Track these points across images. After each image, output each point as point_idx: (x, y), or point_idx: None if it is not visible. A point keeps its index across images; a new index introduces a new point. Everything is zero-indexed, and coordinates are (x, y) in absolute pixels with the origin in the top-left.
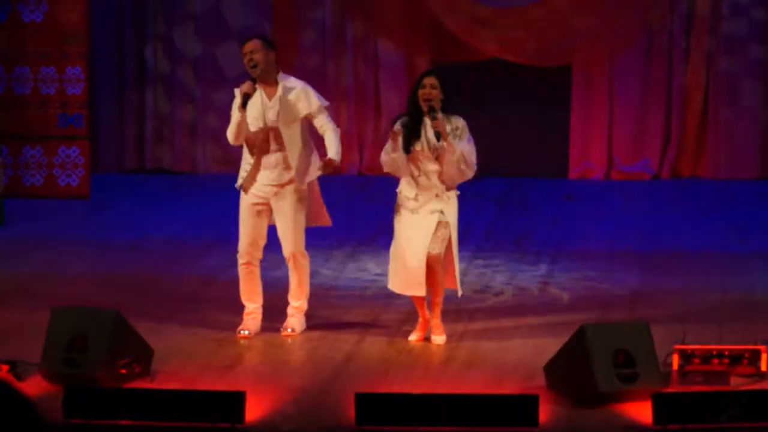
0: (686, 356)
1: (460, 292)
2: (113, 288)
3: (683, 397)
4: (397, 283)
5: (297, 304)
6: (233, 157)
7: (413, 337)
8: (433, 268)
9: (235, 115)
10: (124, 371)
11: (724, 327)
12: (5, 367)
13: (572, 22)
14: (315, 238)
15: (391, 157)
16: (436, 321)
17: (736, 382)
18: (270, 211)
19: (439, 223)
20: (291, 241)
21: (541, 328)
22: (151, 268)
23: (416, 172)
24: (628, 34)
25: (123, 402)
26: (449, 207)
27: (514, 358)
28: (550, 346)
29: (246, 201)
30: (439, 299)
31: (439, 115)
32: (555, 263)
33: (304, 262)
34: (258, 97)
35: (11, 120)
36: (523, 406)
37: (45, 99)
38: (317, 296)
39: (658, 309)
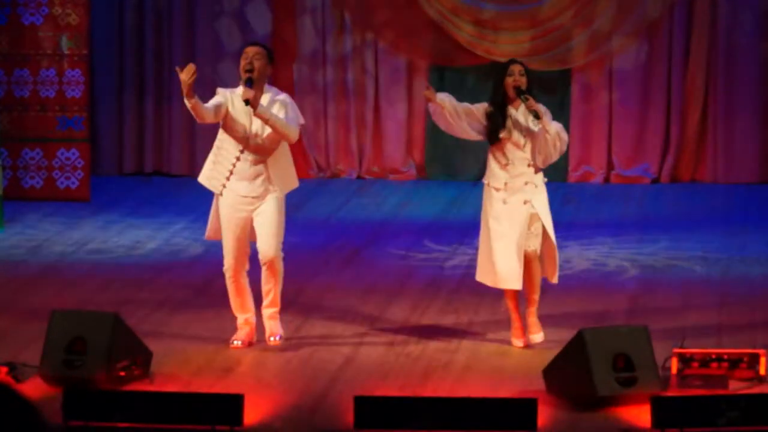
0: (685, 360)
1: (555, 280)
2: (112, 290)
3: (682, 400)
4: (489, 277)
5: (272, 309)
6: None
7: (518, 344)
8: (530, 264)
9: (218, 99)
10: (123, 374)
11: (723, 331)
12: (4, 369)
13: (572, 25)
14: (313, 241)
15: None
16: (533, 318)
17: (735, 386)
18: (251, 220)
19: (532, 216)
20: (271, 244)
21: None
22: (151, 271)
23: (504, 161)
24: (628, 38)
25: (122, 404)
26: (539, 196)
27: (513, 361)
28: (549, 349)
29: (227, 214)
30: (536, 296)
31: (530, 97)
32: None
33: (280, 264)
34: (242, 103)
35: (11, 122)
36: (522, 409)
37: (45, 101)
38: (316, 299)
39: (657, 313)
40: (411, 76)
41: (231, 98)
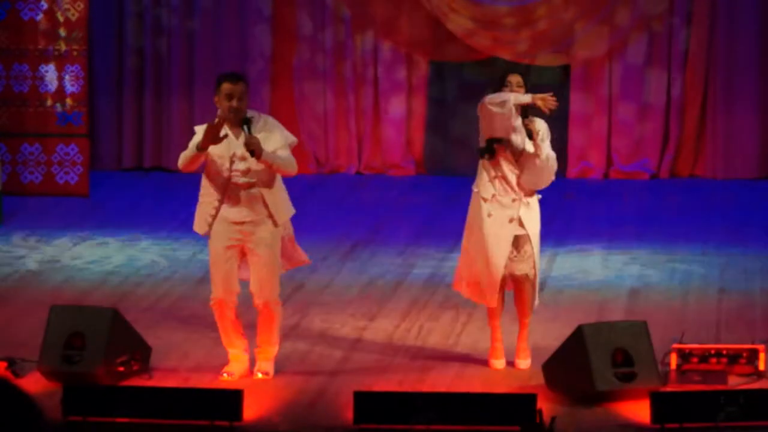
0: (684, 355)
1: (536, 303)
2: (111, 285)
3: (681, 396)
4: (467, 289)
5: (266, 348)
6: None
7: (498, 365)
8: (522, 288)
9: (192, 151)
10: (122, 369)
11: (722, 326)
12: (3, 365)
13: (572, 20)
14: (313, 237)
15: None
16: (524, 344)
17: (734, 382)
18: (242, 254)
19: (522, 237)
20: (265, 288)
21: (539, 327)
22: (149, 266)
23: (493, 173)
24: (628, 33)
25: (121, 399)
26: (529, 213)
27: (513, 356)
28: (548, 344)
29: (217, 245)
30: (528, 320)
31: (529, 116)
32: (553, 262)
33: (278, 311)
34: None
35: (10, 117)
36: (521, 404)
37: (44, 97)
38: (315, 295)
39: (656, 308)
40: (410, 71)
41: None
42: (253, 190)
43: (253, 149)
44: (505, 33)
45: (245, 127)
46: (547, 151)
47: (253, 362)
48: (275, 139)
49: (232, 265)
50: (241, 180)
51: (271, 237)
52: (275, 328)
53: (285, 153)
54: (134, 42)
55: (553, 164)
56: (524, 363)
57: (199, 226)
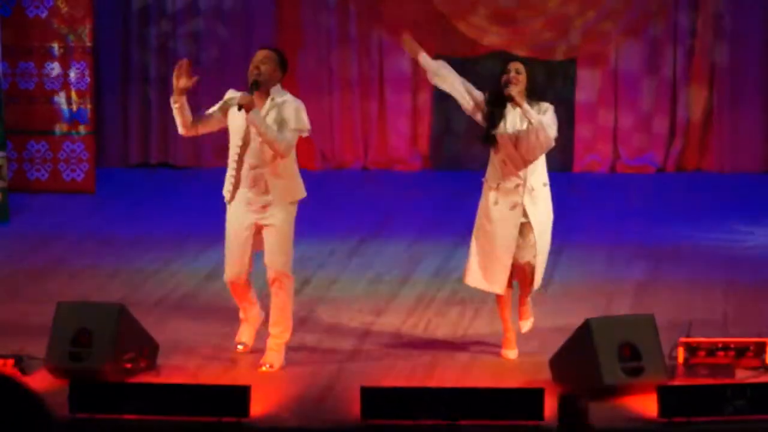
0: (691, 349)
1: (536, 287)
2: (118, 282)
3: (688, 389)
4: (475, 278)
5: (277, 331)
6: None
7: (510, 355)
8: (525, 276)
9: (212, 109)
10: (129, 365)
11: (729, 320)
12: (11, 362)
13: (578, 15)
14: (320, 232)
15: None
16: (526, 307)
17: (741, 375)
18: (257, 233)
19: (526, 226)
20: (277, 259)
21: (546, 321)
22: (156, 262)
23: (497, 159)
24: (634, 26)
25: (128, 396)
26: (533, 204)
27: (519, 351)
28: (555, 339)
29: (231, 223)
30: (528, 299)
31: (513, 88)
32: (559, 256)
33: (289, 285)
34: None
35: (16, 115)
36: (528, 399)
37: (50, 94)
38: (322, 290)
39: (663, 302)
40: (416, 66)
41: (236, 101)
42: (258, 173)
43: (243, 105)
44: (511, 27)
45: (252, 88)
46: (540, 117)
47: (262, 348)
48: (283, 115)
49: (245, 248)
50: (251, 160)
51: (283, 214)
52: (286, 308)
53: (284, 129)
54: (139, 36)
55: (548, 129)
56: (526, 324)
57: (225, 188)
